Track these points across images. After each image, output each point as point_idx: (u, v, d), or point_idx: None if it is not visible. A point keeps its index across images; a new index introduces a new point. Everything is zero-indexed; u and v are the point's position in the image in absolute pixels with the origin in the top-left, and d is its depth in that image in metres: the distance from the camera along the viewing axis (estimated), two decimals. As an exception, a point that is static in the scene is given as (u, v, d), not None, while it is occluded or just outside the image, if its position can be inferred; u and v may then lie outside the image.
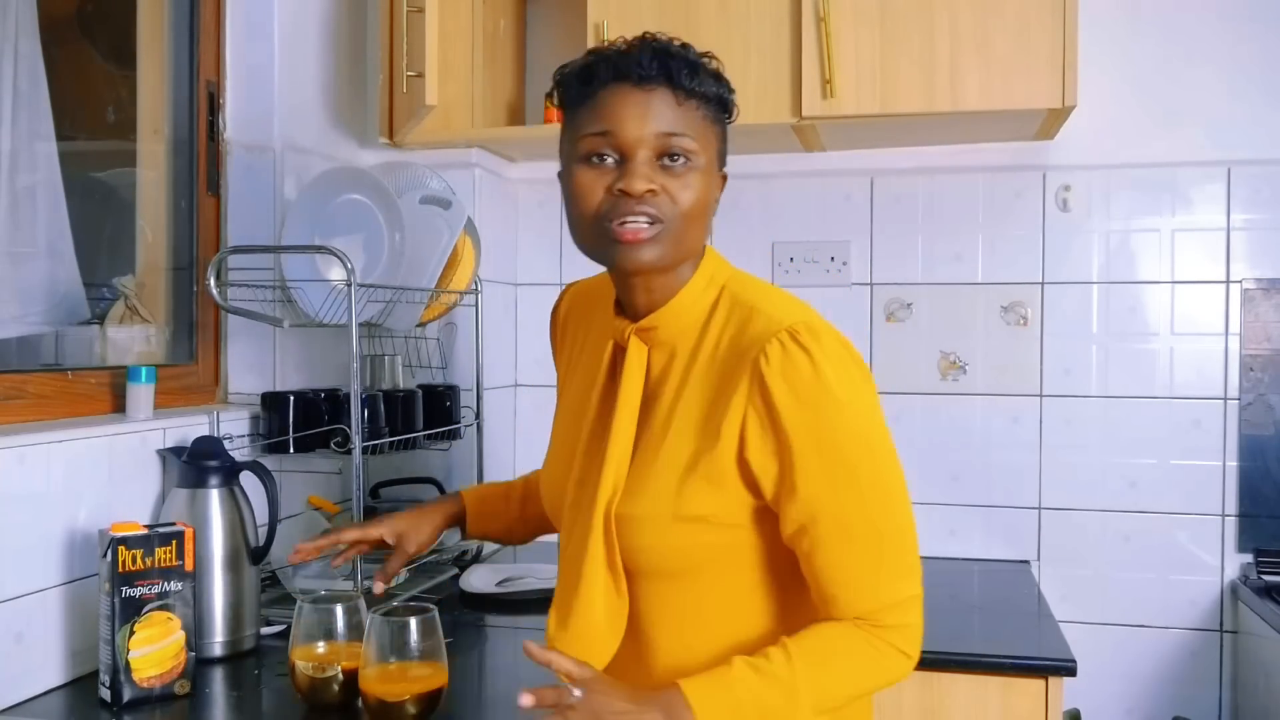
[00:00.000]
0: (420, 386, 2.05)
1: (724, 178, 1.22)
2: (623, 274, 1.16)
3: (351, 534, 1.41)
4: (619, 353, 1.20)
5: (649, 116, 1.10)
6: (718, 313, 1.16)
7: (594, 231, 1.12)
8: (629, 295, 1.19)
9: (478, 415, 2.14)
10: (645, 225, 1.09)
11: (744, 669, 1.06)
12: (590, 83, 1.13)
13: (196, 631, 1.47)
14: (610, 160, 1.11)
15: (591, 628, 1.15)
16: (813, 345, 1.08)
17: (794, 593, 1.15)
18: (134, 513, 1.55)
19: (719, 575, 1.14)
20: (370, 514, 1.94)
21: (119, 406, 1.68)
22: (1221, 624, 2.17)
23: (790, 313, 1.12)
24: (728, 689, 1.04)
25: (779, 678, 1.05)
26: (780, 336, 1.08)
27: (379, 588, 1.38)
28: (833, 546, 1.08)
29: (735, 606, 1.15)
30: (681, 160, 1.11)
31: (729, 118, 1.20)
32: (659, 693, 1.04)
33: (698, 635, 1.15)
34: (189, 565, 1.42)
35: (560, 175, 1.18)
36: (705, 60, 1.16)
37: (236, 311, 1.80)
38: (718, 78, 1.17)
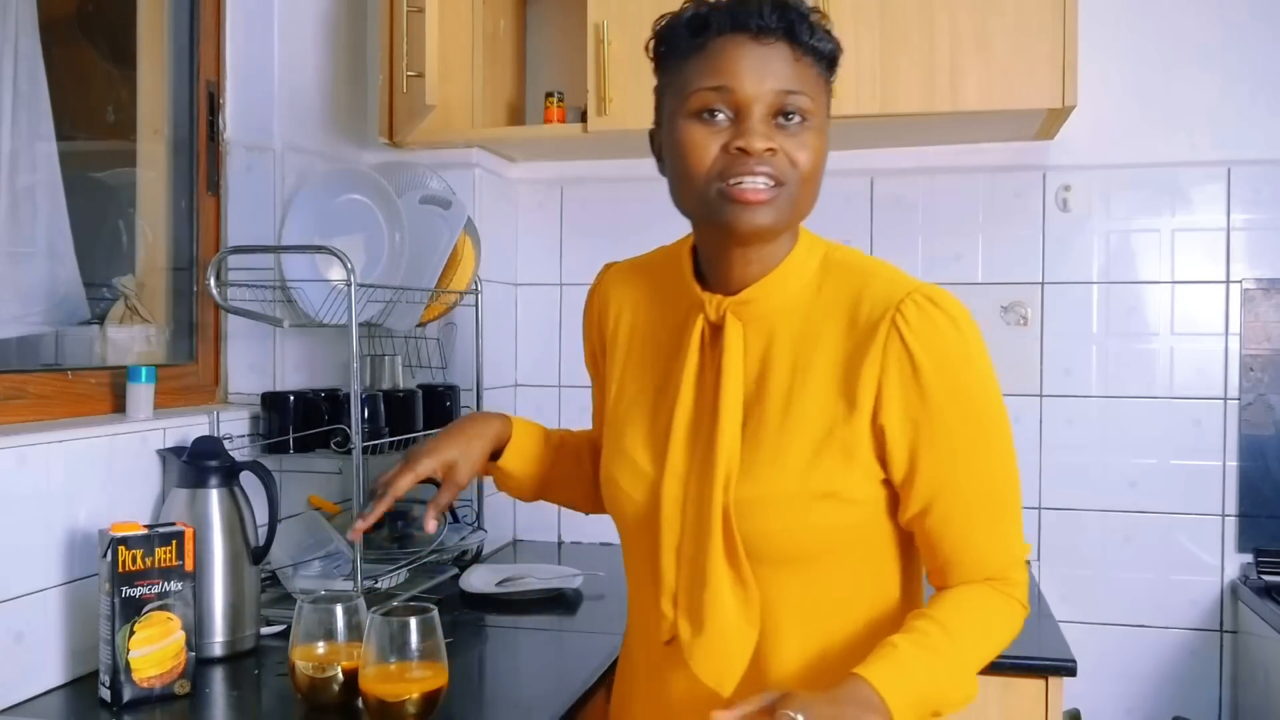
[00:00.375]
0: (420, 386, 2.05)
1: None
2: (735, 238, 1.07)
3: (405, 483, 1.23)
4: (713, 330, 1.13)
5: (768, 72, 1.03)
6: (827, 280, 1.11)
7: (705, 192, 1.05)
8: (724, 266, 1.12)
9: (478, 415, 2.14)
10: (764, 187, 1.03)
11: (911, 649, 1.01)
12: (703, 33, 1.05)
13: (196, 631, 1.47)
14: (722, 117, 1.04)
15: (728, 625, 1.08)
16: (949, 306, 1.06)
17: (908, 570, 1.14)
18: (134, 513, 1.55)
19: (846, 557, 1.10)
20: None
21: (119, 406, 1.67)
22: (1221, 624, 2.17)
23: (908, 278, 1.09)
24: (905, 672, 1.00)
25: (942, 651, 1.02)
26: (914, 298, 1.05)
27: (432, 525, 1.23)
28: (966, 509, 1.07)
29: (859, 589, 1.11)
30: (797, 119, 1.04)
31: (832, 78, 1.11)
32: (846, 688, 0.98)
33: (822, 623, 1.10)
34: (189, 565, 1.42)
35: (655, 133, 1.13)
36: (819, 16, 1.08)
37: (236, 311, 1.80)
38: (830, 34, 1.09)
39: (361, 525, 1.22)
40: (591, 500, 1.33)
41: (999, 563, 1.09)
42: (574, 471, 1.35)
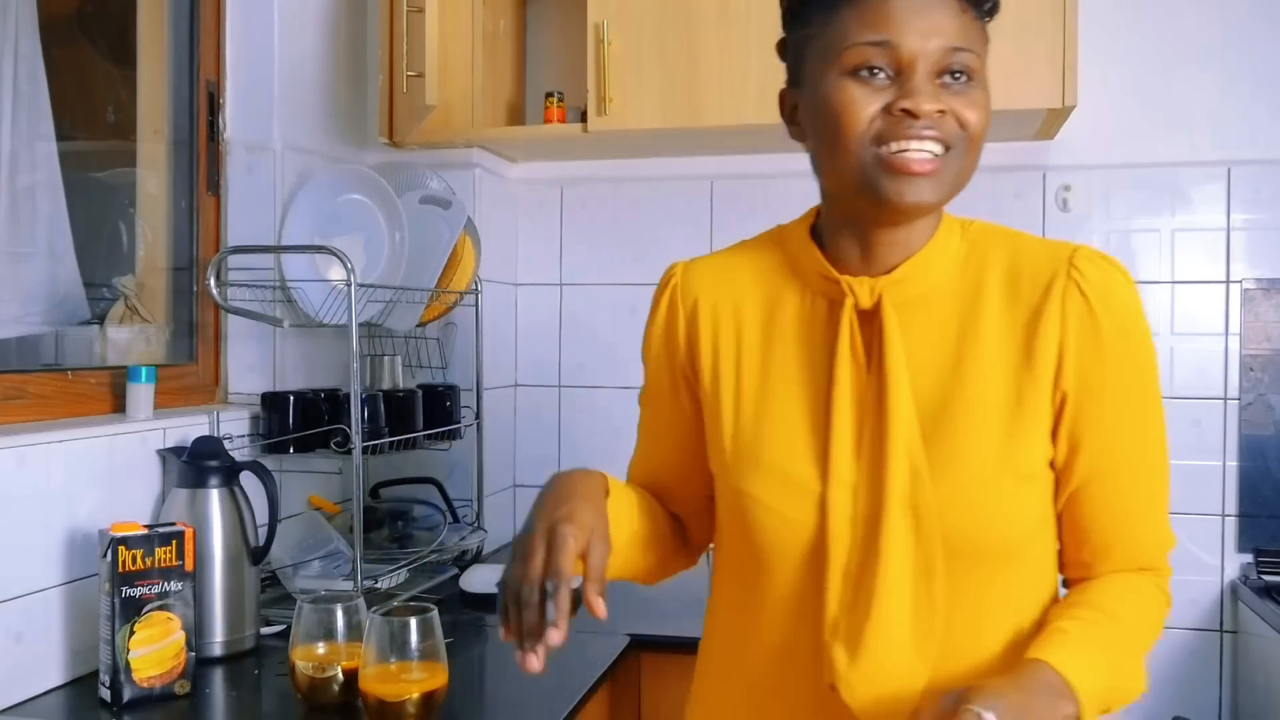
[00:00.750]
0: (420, 386, 2.05)
1: None
2: (890, 214, 0.96)
3: (566, 564, 0.88)
4: (862, 317, 1.00)
5: (935, 27, 0.93)
6: (972, 252, 1.02)
7: (859, 159, 0.93)
8: (866, 246, 1.01)
9: (478, 415, 2.14)
10: (931, 156, 0.92)
11: (1083, 634, 0.92)
12: None
13: (196, 631, 1.47)
14: (883, 75, 0.92)
15: (898, 652, 0.93)
16: (1119, 263, 0.99)
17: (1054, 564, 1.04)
18: (134, 513, 1.55)
19: (1033, 549, 0.99)
20: (370, 513, 1.94)
21: (119, 406, 1.67)
22: (1221, 624, 2.17)
23: (1059, 240, 1.03)
24: (1085, 656, 0.90)
25: (1113, 638, 0.94)
26: (1084, 253, 0.98)
27: (602, 607, 0.88)
28: (1127, 486, 0.99)
29: (1037, 589, 1.00)
30: (963, 79, 0.95)
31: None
32: (1030, 674, 0.87)
33: (1000, 630, 0.97)
34: (189, 565, 1.42)
35: (786, 93, 1.03)
36: None
37: (236, 311, 1.80)
38: None
39: (559, 637, 0.86)
40: (662, 564, 1.14)
41: (1154, 550, 1.01)
42: (654, 528, 1.11)
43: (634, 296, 2.40)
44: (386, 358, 2.03)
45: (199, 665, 1.47)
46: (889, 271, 1.00)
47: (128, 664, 1.36)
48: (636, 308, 2.40)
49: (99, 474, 1.51)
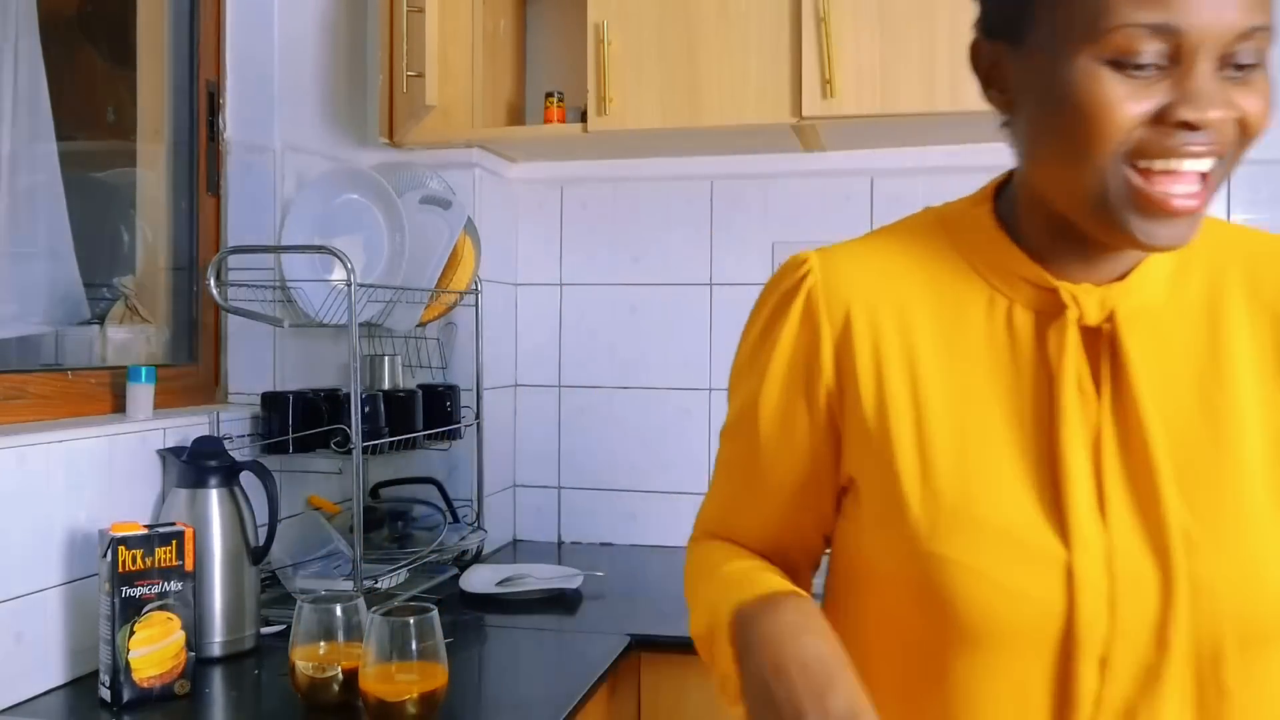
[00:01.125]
0: (420, 386, 2.05)
1: None
2: (1131, 248, 0.77)
3: None
4: (1091, 338, 0.80)
5: (1230, 2, 0.69)
6: (1205, 250, 0.83)
7: (1106, 177, 0.73)
8: (1089, 249, 0.80)
9: (478, 415, 2.14)
10: (1196, 187, 0.72)
11: None
12: None
13: (196, 631, 1.47)
14: (1152, 68, 0.71)
15: None
16: None
17: None
18: (134, 513, 1.55)
19: None
20: (370, 513, 1.94)
21: (119, 406, 1.68)
22: None
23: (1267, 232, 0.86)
24: None
25: None
26: None
27: None
28: None
29: None
30: (1252, 66, 0.72)
31: None
32: None
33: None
34: (189, 565, 1.42)
35: (1009, 50, 0.79)
36: None
37: (236, 311, 1.81)
38: None
39: None
40: None
41: None
42: None
43: (634, 296, 2.40)
44: (386, 358, 2.03)
45: (199, 665, 1.47)
46: (1119, 279, 0.80)
47: (128, 664, 1.36)
48: (636, 308, 2.40)
49: (99, 474, 1.51)
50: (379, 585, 1.79)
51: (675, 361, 2.38)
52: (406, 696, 1.24)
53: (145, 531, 1.39)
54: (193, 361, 1.92)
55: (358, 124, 2.23)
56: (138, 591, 1.37)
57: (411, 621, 1.24)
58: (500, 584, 1.95)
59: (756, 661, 0.76)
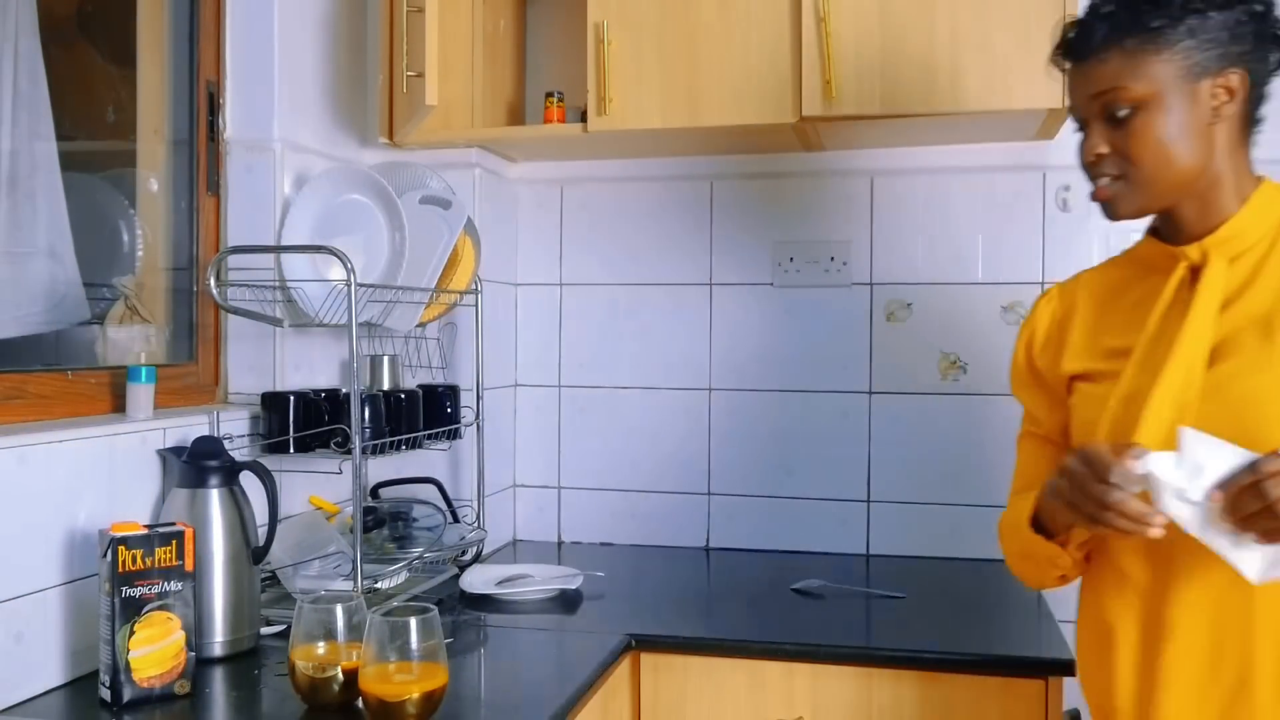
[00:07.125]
0: (420, 386, 2.05)
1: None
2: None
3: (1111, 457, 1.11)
4: (1193, 275, 1.21)
5: (1090, 80, 1.25)
6: None
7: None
8: (1176, 228, 1.24)
9: (478, 415, 2.14)
10: (1110, 190, 1.23)
11: None
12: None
13: (196, 631, 1.47)
14: (1086, 128, 1.25)
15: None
16: None
17: None
18: (134, 513, 1.55)
19: None
20: (370, 513, 1.94)
21: (119, 406, 1.68)
22: (1221, 624, 2.17)
23: None
24: None
25: None
26: None
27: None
28: None
29: None
30: (1125, 110, 1.19)
31: (1176, 36, 1.19)
32: None
33: None
34: (189, 565, 1.42)
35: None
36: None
37: (236, 311, 1.81)
38: (1145, 9, 1.20)
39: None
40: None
41: None
42: None
43: (634, 296, 2.40)
44: (386, 358, 2.03)
45: (199, 665, 1.47)
46: (1209, 233, 1.21)
47: (128, 664, 1.36)
48: (636, 307, 2.40)
49: (99, 474, 1.51)
50: (379, 585, 1.79)
51: (675, 361, 2.38)
52: (406, 696, 1.24)
53: (145, 531, 1.39)
54: (193, 361, 1.92)
55: (358, 124, 2.23)
56: (138, 591, 1.37)
57: (411, 621, 1.24)
58: (500, 584, 1.95)
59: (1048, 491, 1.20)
